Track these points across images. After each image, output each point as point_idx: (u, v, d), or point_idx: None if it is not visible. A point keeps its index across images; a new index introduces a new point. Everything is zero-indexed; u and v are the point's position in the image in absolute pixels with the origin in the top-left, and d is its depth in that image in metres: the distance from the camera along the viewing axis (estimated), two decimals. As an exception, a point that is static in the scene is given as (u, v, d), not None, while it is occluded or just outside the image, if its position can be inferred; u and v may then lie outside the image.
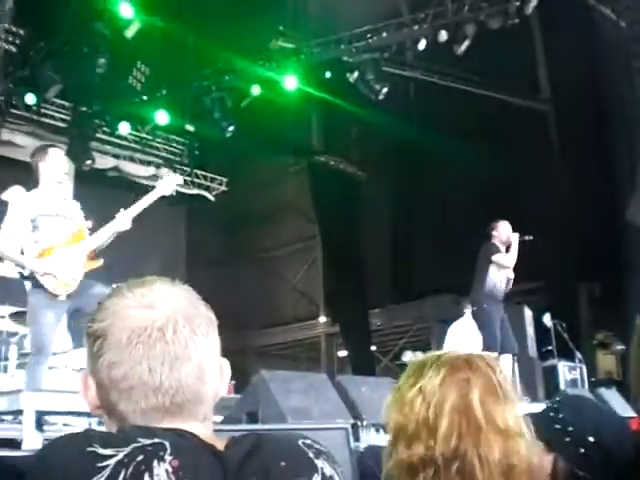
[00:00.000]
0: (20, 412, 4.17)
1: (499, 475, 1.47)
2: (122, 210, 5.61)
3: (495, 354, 7.84)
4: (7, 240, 5.36)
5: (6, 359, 8.17)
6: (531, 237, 8.44)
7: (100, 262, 5.56)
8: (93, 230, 5.72)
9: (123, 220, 5.60)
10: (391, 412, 1.60)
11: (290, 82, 12.79)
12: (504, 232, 8.48)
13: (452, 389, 1.53)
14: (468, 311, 9.92)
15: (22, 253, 5.35)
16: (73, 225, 5.60)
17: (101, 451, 1.12)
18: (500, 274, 8.44)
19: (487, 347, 8.01)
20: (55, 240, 5.42)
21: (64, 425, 4.94)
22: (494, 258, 8.37)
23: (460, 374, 1.55)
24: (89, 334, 1.26)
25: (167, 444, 1.14)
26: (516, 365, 9.33)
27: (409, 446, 1.53)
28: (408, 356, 11.95)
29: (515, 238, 8.39)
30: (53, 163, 5.58)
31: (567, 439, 1.93)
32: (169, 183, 5.91)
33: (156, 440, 1.14)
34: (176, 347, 1.22)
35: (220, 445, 1.20)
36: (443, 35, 11.48)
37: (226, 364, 1.32)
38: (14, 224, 5.39)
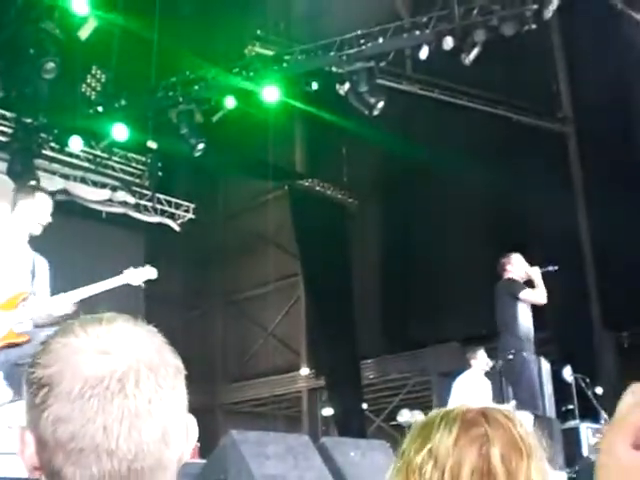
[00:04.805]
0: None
1: None
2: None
3: (530, 416, 7.63)
4: None
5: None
6: (556, 267, 8.22)
7: (25, 338, 5.48)
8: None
9: (63, 302, 5.56)
10: None
11: (270, 94, 12.77)
12: (519, 266, 8.31)
13: (469, 448, 1.47)
14: (475, 362, 9.88)
15: None
16: (24, 278, 5.56)
17: None
18: (529, 314, 8.18)
19: (520, 405, 7.72)
20: None
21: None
22: (522, 296, 8.09)
23: (475, 429, 1.49)
24: (31, 381, 1.19)
25: None
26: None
27: None
28: (405, 416, 11.83)
29: (536, 271, 8.20)
30: (38, 210, 5.56)
31: None
32: (139, 275, 5.60)
33: None
34: (137, 402, 1.16)
35: None
36: (449, 42, 11.50)
37: (192, 422, 1.27)
38: None
